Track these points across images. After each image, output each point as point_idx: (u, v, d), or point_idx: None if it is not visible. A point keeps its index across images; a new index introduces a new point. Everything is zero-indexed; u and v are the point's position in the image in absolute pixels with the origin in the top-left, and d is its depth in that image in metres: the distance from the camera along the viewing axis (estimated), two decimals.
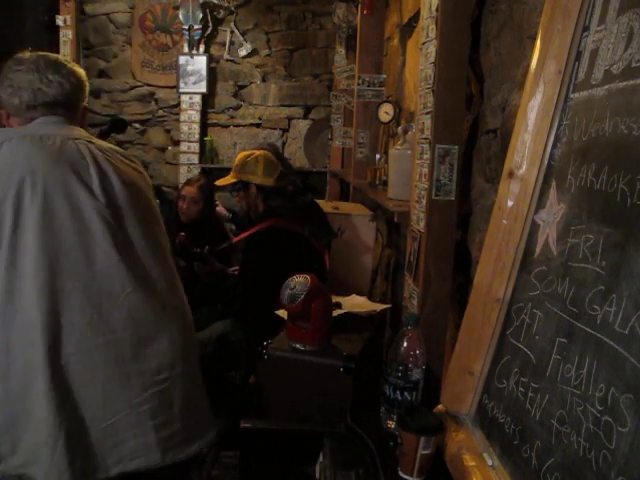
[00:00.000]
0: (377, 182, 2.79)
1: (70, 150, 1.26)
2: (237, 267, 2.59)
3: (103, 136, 1.76)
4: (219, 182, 2.55)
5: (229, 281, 2.52)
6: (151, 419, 1.21)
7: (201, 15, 4.55)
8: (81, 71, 1.41)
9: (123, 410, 1.19)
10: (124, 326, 1.20)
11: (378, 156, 3.03)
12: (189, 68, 4.68)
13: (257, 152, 2.44)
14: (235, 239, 2.48)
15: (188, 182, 3.22)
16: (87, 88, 1.42)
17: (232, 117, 4.88)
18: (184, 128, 4.75)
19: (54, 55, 1.38)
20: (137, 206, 1.30)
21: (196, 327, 2.70)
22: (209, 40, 4.75)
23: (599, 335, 0.78)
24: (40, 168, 1.20)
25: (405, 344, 1.19)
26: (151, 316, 1.24)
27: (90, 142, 1.31)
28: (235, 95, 4.87)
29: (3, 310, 1.13)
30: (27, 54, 1.34)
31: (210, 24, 4.67)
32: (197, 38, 4.63)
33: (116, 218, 1.24)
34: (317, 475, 1.25)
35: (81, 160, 1.25)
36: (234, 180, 2.41)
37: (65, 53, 4.31)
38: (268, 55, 4.80)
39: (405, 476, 1.06)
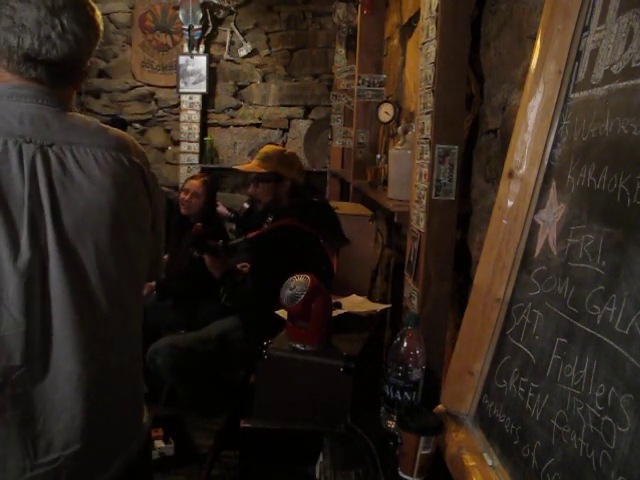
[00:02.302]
0: (377, 182, 2.79)
1: (7, 177, 0.91)
2: (244, 264, 2.57)
3: None
4: (245, 167, 2.43)
5: (238, 277, 2.49)
6: None
7: (201, 15, 4.55)
8: (100, 16, 1.06)
9: None
10: (13, 404, 0.99)
11: (378, 156, 3.03)
12: (189, 68, 4.68)
13: (289, 150, 2.43)
14: (250, 234, 2.43)
15: (193, 177, 3.27)
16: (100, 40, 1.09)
17: (232, 117, 4.89)
18: (184, 128, 4.76)
19: None
20: (75, 260, 0.99)
21: (198, 323, 2.72)
22: (209, 40, 4.75)
23: (599, 335, 0.78)
24: None
25: (405, 344, 1.19)
26: (47, 393, 1.02)
27: (49, 148, 0.96)
28: (235, 95, 4.87)
29: None
30: None
31: (210, 24, 4.67)
32: (197, 38, 4.63)
33: (40, 275, 0.96)
34: (317, 475, 1.25)
35: (17, 191, 0.92)
36: (266, 170, 2.31)
37: None
38: (268, 55, 4.80)
39: (405, 476, 1.06)
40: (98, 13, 1.05)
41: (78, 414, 1.03)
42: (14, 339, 0.96)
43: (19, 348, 0.96)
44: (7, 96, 0.96)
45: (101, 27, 1.06)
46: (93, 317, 1.03)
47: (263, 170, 2.32)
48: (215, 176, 4.85)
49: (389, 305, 2.08)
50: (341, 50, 4.24)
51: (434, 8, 1.61)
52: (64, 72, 1.02)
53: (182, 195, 3.10)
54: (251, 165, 2.38)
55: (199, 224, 2.52)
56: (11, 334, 0.96)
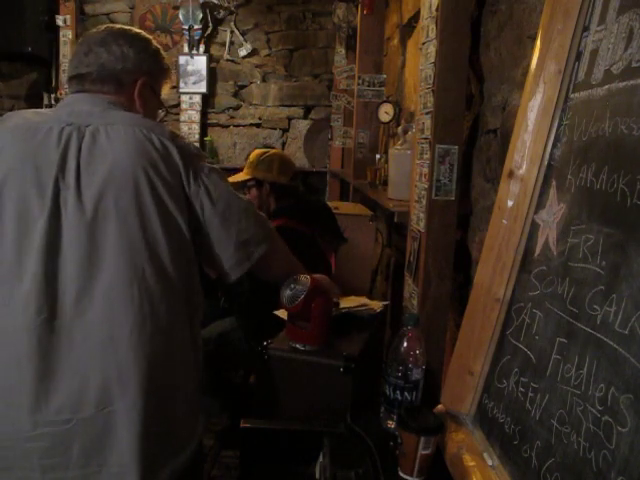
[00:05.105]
0: (377, 182, 2.79)
1: (47, 148, 1.15)
2: None
3: None
4: (231, 178, 2.52)
5: None
6: (38, 458, 1.08)
7: (201, 15, 4.55)
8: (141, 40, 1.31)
9: (9, 440, 1.08)
10: (30, 354, 1.06)
11: (378, 156, 3.03)
12: (189, 68, 4.69)
13: (272, 150, 2.47)
14: None
15: None
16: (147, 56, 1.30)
17: (232, 117, 4.88)
18: (184, 128, 4.75)
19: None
20: (94, 212, 1.13)
21: None
22: (209, 40, 4.75)
23: (599, 335, 0.78)
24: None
25: (405, 344, 1.19)
26: (62, 349, 1.08)
27: (86, 128, 1.17)
28: (235, 95, 4.87)
29: None
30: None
31: (210, 24, 4.67)
32: (197, 38, 4.63)
33: (57, 227, 1.11)
34: (317, 475, 1.25)
35: (52, 157, 1.14)
36: (247, 177, 2.40)
37: (65, 53, 4.32)
38: (268, 55, 4.80)
39: (405, 476, 1.06)
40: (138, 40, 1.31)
41: (92, 376, 1.08)
42: (34, 291, 1.07)
43: (37, 299, 1.07)
44: (68, 102, 1.27)
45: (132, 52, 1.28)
46: (108, 270, 1.11)
47: (245, 177, 2.39)
48: None
49: (387, 302, 2.08)
50: (341, 50, 4.24)
51: (434, 8, 1.61)
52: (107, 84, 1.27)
53: None
54: (239, 174, 2.47)
55: None
56: (32, 286, 1.07)
